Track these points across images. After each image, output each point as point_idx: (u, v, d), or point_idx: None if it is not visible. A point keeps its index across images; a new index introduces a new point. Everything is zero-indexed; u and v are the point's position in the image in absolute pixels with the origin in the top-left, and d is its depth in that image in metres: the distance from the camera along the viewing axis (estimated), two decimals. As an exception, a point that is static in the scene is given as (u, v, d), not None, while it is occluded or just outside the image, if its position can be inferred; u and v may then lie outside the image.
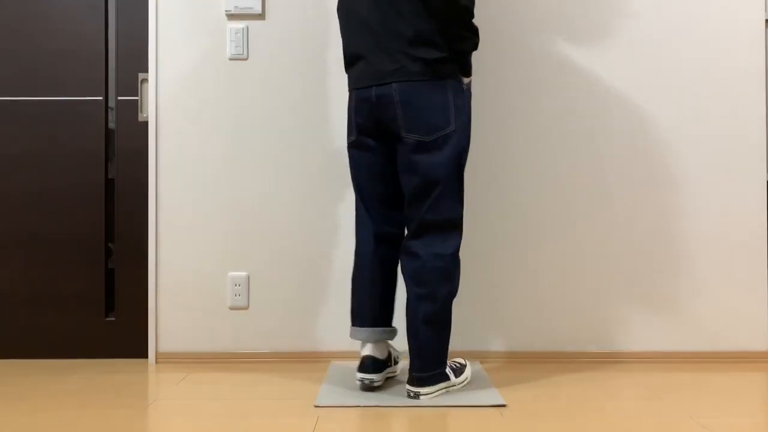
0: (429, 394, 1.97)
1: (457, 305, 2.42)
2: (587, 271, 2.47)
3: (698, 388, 2.12)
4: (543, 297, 2.47)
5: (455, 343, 2.41)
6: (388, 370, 2.13)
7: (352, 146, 2.10)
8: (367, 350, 2.07)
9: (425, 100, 1.95)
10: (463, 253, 2.43)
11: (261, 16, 2.47)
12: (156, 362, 2.46)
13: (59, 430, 1.73)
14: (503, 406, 1.91)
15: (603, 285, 2.47)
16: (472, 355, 2.44)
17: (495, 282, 2.47)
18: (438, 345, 2.01)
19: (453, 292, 2.02)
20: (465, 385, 2.09)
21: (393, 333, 2.14)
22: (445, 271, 1.99)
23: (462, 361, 2.17)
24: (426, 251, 1.98)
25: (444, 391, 2.01)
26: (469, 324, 2.46)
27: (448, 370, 2.04)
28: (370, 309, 2.09)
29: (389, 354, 2.14)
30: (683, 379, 2.23)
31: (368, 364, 2.05)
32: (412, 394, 1.97)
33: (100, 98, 2.55)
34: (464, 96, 2.03)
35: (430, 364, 1.99)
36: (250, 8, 2.46)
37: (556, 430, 1.71)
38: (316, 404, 1.92)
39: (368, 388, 2.05)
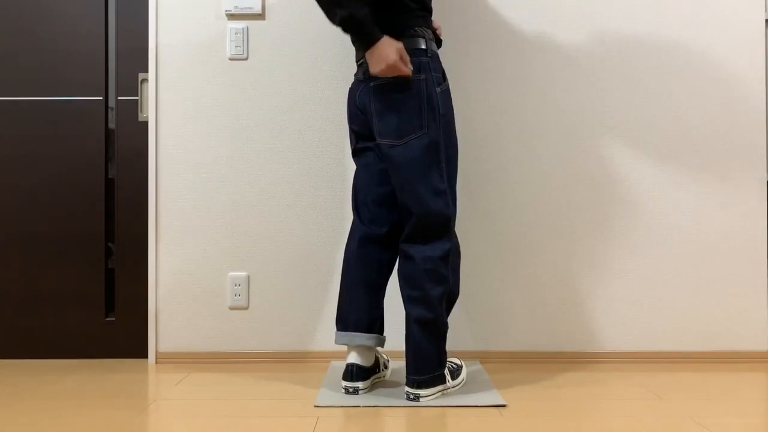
0: (428, 396, 1.96)
1: (457, 305, 2.43)
2: (587, 271, 2.47)
3: (698, 388, 2.12)
4: (543, 297, 2.47)
5: (456, 343, 2.43)
6: (375, 376, 2.10)
7: None
8: (351, 358, 2.05)
9: None
10: (464, 253, 2.44)
11: (261, 16, 2.47)
12: (156, 362, 2.46)
13: (59, 430, 1.72)
14: (503, 406, 1.91)
15: (603, 285, 2.47)
16: (472, 355, 2.44)
17: (495, 282, 2.47)
18: (433, 347, 1.98)
19: (446, 294, 1.99)
20: (461, 387, 2.08)
21: (378, 340, 2.08)
22: (435, 273, 1.97)
23: (458, 361, 2.15)
24: (417, 254, 1.98)
25: (440, 393, 2.00)
26: (469, 324, 2.46)
27: (446, 372, 2.03)
28: (350, 312, 2.06)
29: (376, 360, 2.11)
30: (683, 379, 2.23)
31: (351, 372, 2.03)
32: (411, 396, 1.96)
33: (100, 98, 2.55)
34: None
35: (428, 366, 1.97)
36: (250, 8, 2.46)
37: (556, 430, 1.71)
38: (316, 404, 1.92)
39: (353, 394, 2.02)
